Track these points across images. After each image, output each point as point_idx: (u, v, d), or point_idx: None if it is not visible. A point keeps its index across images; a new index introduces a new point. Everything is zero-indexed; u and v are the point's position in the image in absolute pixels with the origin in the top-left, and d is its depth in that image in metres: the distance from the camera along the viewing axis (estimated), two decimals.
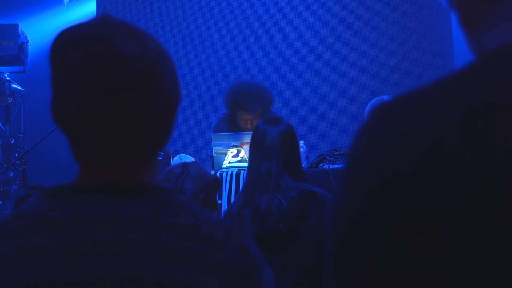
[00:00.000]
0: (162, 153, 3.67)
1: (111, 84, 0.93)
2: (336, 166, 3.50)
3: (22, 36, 6.24)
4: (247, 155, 3.10)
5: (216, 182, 2.36)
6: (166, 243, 0.92)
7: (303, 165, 3.63)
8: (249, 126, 4.10)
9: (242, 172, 3.47)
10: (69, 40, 0.94)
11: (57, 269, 0.92)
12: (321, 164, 3.63)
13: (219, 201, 3.34)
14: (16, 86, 6.20)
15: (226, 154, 3.76)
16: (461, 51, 5.71)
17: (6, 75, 6.20)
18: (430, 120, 0.68)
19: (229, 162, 3.71)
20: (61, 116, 0.97)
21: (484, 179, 0.64)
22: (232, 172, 3.52)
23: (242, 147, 3.73)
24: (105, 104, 0.93)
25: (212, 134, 3.93)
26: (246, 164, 2.95)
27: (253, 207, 2.54)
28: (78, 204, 0.96)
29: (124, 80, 0.93)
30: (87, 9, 6.90)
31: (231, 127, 4.21)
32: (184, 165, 2.30)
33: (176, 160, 3.80)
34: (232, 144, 3.76)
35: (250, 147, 2.69)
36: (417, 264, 0.67)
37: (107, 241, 0.93)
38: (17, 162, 5.08)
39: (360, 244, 0.71)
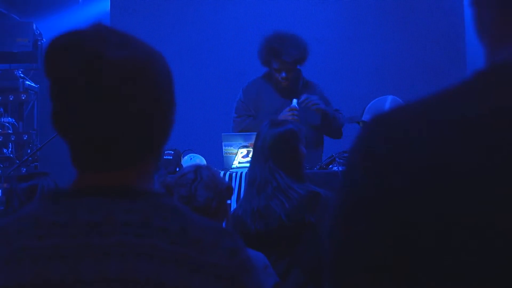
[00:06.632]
0: (172, 152, 3.68)
1: (99, 90, 0.97)
2: None
3: (36, 33, 6.28)
4: None
5: (230, 191, 2.37)
6: (156, 246, 0.96)
7: None
8: (283, 76, 4.02)
9: None
10: (57, 48, 0.99)
11: (51, 270, 0.95)
12: (330, 166, 3.63)
13: (228, 201, 3.34)
14: (29, 83, 6.24)
15: (236, 154, 3.77)
16: (473, 53, 5.68)
17: (20, 72, 6.25)
18: (423, 135, 0.69)
19: (239, 163, 3.72)
20: (56, 123, 1.01)
21: (481, 192, 0.65)
22: (241, 173, 3.53)
23: (252, 148, 3.72)
24: (95, 109, 0.98)
25: (222, 134, 3.93)
26: None
27: (253, 208, 2.59)
28: (73, 207, 1.00)
29: (112, 84, 0.97)
30: (101, 7, 6.93)
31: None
32: (197, 169, 2.29)
33: (186, 160, 3.80)
34: (242, 144, 3.76)
35: (253, 149, 2.76)
36: (410, 273, 0.68)
37: (100, 243, 0.96)
38: (29, 158, 5.12)
39: (353, 251, 0.72)
